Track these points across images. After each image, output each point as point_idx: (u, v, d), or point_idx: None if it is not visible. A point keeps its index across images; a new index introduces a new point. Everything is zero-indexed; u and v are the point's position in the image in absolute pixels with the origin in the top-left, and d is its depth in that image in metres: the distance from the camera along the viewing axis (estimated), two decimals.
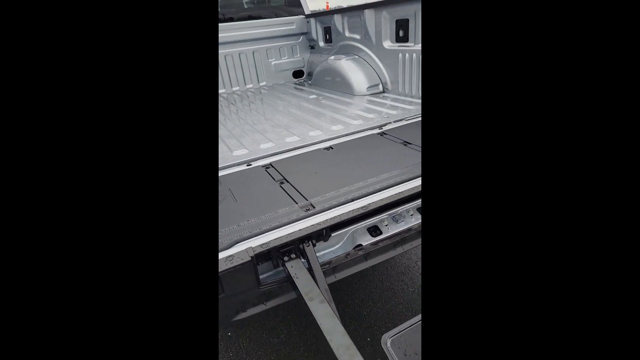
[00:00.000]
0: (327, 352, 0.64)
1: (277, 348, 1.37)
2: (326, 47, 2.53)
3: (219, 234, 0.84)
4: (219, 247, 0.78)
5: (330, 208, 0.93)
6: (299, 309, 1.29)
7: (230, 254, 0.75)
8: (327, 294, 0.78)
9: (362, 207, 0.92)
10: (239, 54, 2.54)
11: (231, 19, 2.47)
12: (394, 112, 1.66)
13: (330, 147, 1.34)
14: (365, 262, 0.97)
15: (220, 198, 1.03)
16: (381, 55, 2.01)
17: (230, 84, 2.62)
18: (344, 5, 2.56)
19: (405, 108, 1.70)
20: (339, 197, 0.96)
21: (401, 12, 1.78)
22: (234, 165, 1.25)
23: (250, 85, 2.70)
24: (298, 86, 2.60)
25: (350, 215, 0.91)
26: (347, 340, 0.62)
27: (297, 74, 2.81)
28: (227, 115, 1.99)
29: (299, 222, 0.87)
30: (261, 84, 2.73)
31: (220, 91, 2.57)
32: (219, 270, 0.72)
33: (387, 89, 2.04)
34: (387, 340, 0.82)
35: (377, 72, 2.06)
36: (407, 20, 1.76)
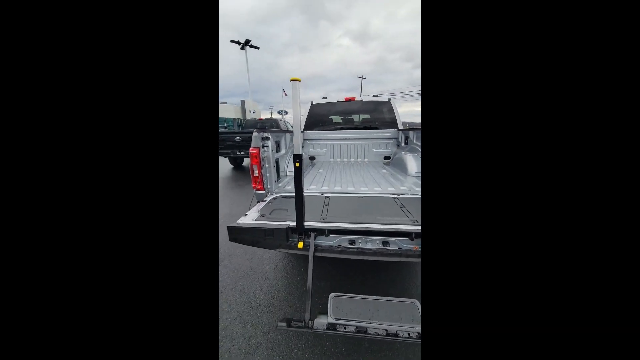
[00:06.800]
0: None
1: None
2: (403, 146, 4.29)
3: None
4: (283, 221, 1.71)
5: (336, 222, 1.66)
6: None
7: (281, 223, 1.66)
8: (312, 262, 1.51)
9: (350, 227, 1.62)
10: (357, 145, 4.72)
11: (356, 128, 4.76)
12: (418, 188, 2.70)
13: (360, 197, 2.31)
14: (339, 254, 1.58)
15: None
16: None
17: (348, 157, 4.79)
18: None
19: None
20: (344, 219, 1.73)
21: None
22: (311, 192, 2.51)
23: (360, 160, 4.78)
24: (384, 165, 4.40)
25: (342, 229, 1.60)
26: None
27: (387, 157, 4.66)
28: (331, 168, 3.99)
29: (316, 222, 1.68)
30: (365, 160, 4.75)
31: (344, 160, 4.77)
32: (285, 226, 1.61)
33: None
34: (332, 296, 1.33)
35: None
36: None
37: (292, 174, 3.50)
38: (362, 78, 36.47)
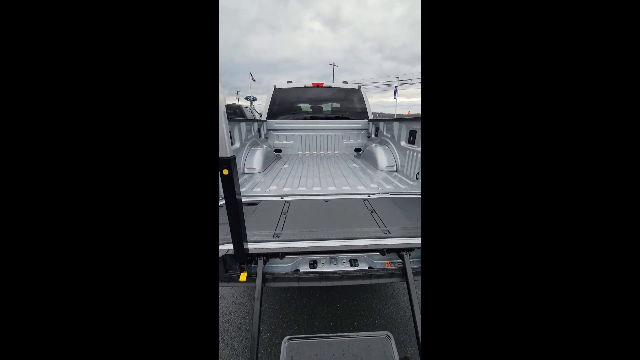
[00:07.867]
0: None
1: None
2: (374, 138, 4.07)
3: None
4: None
5: (293, 240, 1.28)
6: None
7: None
8: (259, 299, 1.12)
9: (310, 247, 1.25)
10: (327, 136, 4.40)
11: (326, 118, 4.42)
12: (389, 186, 2.42)
13: (327, 200, 1.93)
14: (296, 282, 1.24)
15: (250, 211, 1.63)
16: (399, 149, 3.33)
17: (317, 149, 4.47)
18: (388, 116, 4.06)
19: (398, 186, 2.43)
20: (304, 234, 1.34)
21: (413, 126, 3.08)
22: (269, 195, 2.10)
23: (330, 152, 4.48)
24: (354, 158, 4.16)
25: (299, 250, 1.23)
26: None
27: (357, 149, 4.42)
28: (298, 161, 3.66)
29: (267, 243, 1.27)
30: (335, 152, 4.47)
31: (313, 152, 4.43)
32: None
33: (399, 169, 3.30)
34: (286, 341, 1.02)
35: (395, 158, 3.37)
36: (415, 131, 3.05)
37: (251, 171, 3.08)
38: (334, 65, 35.78)
